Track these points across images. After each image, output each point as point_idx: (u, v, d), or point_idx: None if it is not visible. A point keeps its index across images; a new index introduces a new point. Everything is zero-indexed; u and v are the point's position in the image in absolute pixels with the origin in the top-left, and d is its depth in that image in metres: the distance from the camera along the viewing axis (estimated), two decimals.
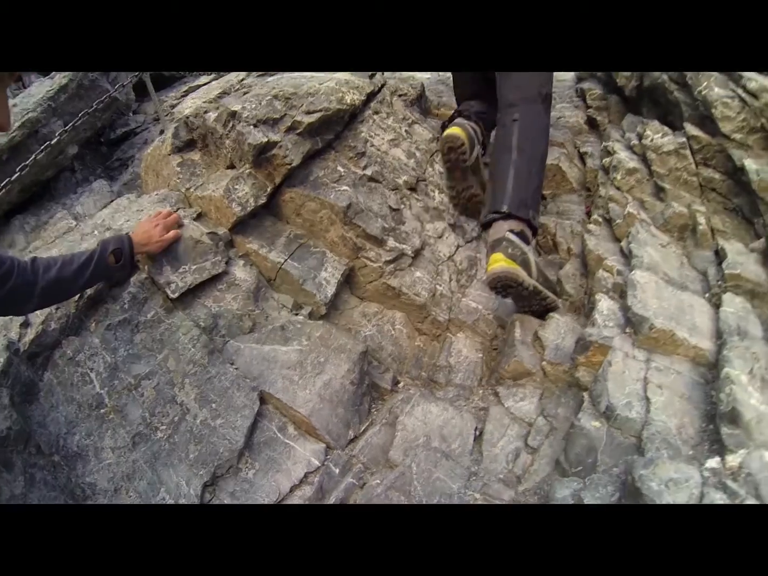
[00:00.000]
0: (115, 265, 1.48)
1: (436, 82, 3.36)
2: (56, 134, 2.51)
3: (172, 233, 1.63)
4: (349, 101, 2.05)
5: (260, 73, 2.57)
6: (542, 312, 1.78)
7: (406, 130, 2.31)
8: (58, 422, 1.41)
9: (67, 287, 1.41)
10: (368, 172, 2.02)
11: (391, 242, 1.88)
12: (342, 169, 1.97)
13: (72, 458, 1.38)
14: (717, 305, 1.50)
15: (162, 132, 2.83)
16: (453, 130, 2.04)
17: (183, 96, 4.07)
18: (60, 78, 4.11)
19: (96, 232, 1.85)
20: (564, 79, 3.50)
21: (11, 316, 1.47)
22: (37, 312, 1.47)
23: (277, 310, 1.74)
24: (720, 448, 1.12)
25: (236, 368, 1.55)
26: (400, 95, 2.57)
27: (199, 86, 4.17)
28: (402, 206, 2.02)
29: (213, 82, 4.01)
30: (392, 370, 1.72)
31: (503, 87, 1.95)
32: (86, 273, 1.40)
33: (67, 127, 2.58)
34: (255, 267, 1.80)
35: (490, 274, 1.66)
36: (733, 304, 1.47)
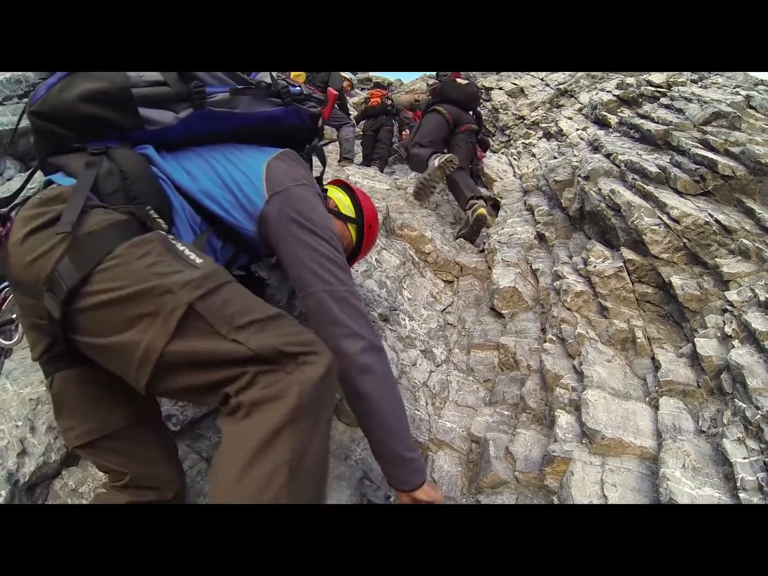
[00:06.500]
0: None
1: (397, 197, 3.96)
2: None
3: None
4: None
5: None
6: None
7: (376, 259, 2.83)
8: None
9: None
10: None
11: None
12: None
13: None
14: (656, 407, 2.01)
15: None
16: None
17: None
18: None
19: None
20: (512, 189, 4.19)
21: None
22: (35, 442, 1.58)
23: None
24: None
25: None
26: None
27: None
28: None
29: None
30: (383, 487, 2.05)
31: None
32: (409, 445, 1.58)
33: None
34: None
35: (479, 214, 3.79)
36: (668, 406, 1.97)
